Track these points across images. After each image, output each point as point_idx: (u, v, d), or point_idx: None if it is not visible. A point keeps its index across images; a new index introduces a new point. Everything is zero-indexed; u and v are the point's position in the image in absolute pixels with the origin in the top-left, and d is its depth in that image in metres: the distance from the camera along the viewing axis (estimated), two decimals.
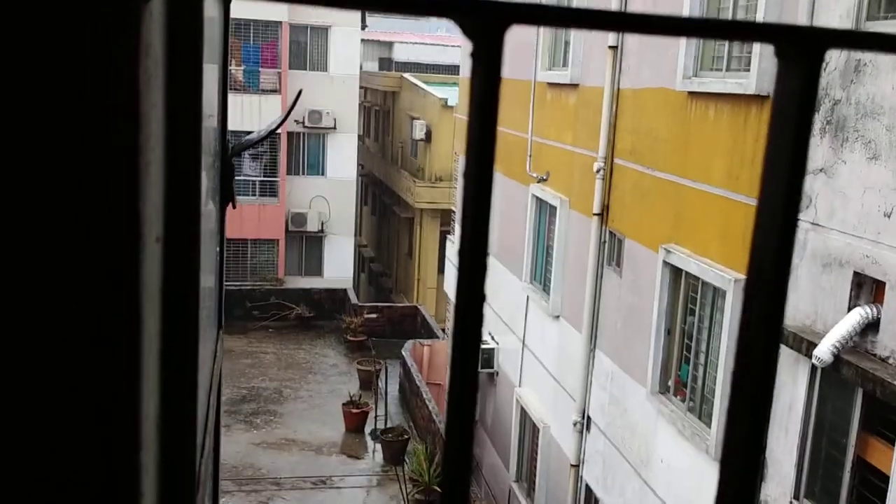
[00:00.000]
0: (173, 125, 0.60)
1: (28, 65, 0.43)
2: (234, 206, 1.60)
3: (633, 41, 9.94)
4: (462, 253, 0.52)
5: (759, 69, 7.33)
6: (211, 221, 1.38)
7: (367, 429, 17.89)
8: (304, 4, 0.49)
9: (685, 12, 8.55)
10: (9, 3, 0.43)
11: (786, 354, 6.94)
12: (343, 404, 18.05)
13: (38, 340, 0.45)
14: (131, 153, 0.44)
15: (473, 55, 0.51)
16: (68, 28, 0.42)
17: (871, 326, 6.05)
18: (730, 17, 8.09)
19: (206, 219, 1.30)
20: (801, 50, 0.54)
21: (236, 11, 26.55)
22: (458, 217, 18.35)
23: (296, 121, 26.18)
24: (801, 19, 6.75)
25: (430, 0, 0.48)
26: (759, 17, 7.36)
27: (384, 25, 45.33)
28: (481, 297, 0.54)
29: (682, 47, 8.58)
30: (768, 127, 0.57)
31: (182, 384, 0.67)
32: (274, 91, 25.63)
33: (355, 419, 17.83)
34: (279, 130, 25.46)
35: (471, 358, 0.51)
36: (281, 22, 25.43)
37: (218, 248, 1.53)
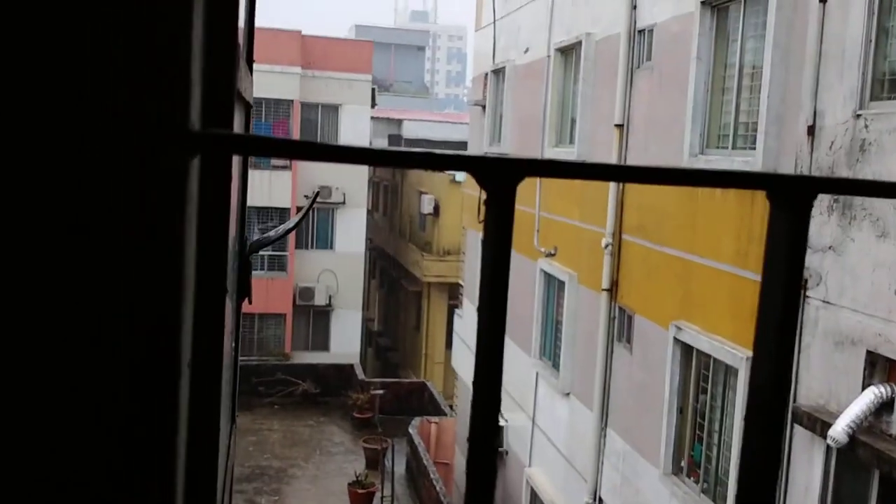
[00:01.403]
0: (202, 259, 0.64)
1: (98, 216, 0.46)
2: (250, 302, 1.64)
3: (639, 119, 10.11)
4: (475, 402, 0.54)
5: (764, 147, 7.43)
6: (231, 320, 1.41)
7: None
8: (329, 161, 0.53)
9: (688, 112, 8.72)
10: (78, 149, 0.47)
11: (800, 434, 6.83)
12: (349, 484, 17.73)
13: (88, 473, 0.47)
14: (174, 290, 0.47)
15: (487, 203, 0.55)
16: (127, 186, 0.46)
17: (886, 406, 5.98)
18: (734, 103, 8.25)
19: (227, 317, 1.33)
20: (792, 196, 0.57)
21: None
22: (464, 307, 18.13)
23: (305, 196, 26.45)
24: (805, 101, 6.87)
25: (451, 157, 0.52)
26: (763, 99, 7.50)
27: (394, 103, 46.24)
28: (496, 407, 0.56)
29: (689, 124, 8.72)
30: (763, 264, 0.59)
31: (203, 497, 0.68)
32: (285, 168, 26.00)
33: (361, 500, 17.48)
34: (289, 206, 25.73)
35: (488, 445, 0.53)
36: (293, 101, 25.96)
37: (234, 343, 1.56)
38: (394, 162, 0.51)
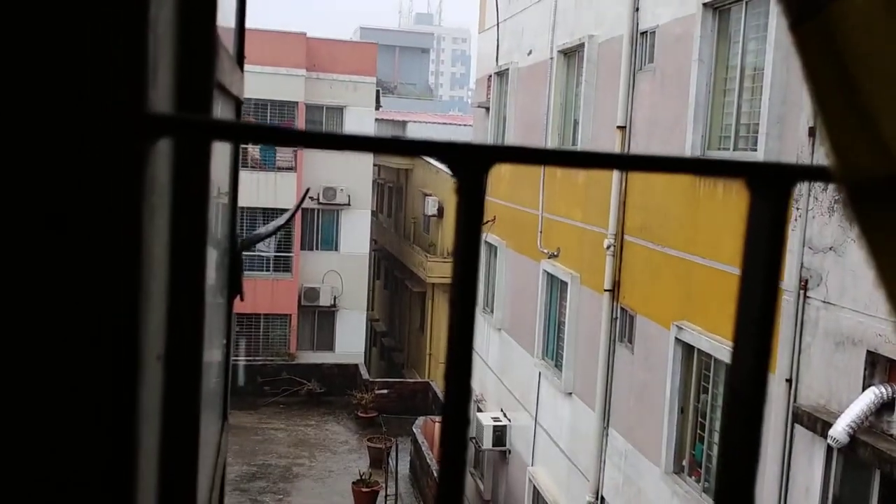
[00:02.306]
0: (178, 250, 0.63)
1: (36, 199, 0.46)
2: (241, 299, 1.63)
3: (641, 121, 10.10)
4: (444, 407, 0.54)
5: (766, 147, 7.42)
6: (220, 316, 1.41)
7: None
8: (299, 146, 0.52)
9: (690, 113, 8.71)
10: (16, 140, 0.46)
11: (801, 434, 6.82)
12: (353, 483, 17.75)
13: (25, 476, 0.46)
14: (132, 284, 0.47)
15: (457, 191, 0.54)
16: (79, 171, 0.45)
17: (887, 406, 5.97)
18: (735, 104, 8.24)
19: (214, 314, 1.32)
20: (771, 184, 0.56)
21: (253, 92, 27.07)
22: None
23: (310, 197, 26.49)
24: (807, 103, 6.86)
25: (421, 143, 0.51)
26: (764, 100, 7.49)
27: (398, 105, 46.27)
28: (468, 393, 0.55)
29: (690, 125, 8.72)
30: (742, 256, 0.59)
31: (181, 497, 0.68)
32: (290, 169, 26.04)
33: (365, 498, 17.50)
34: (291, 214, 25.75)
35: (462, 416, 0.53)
36: (297, 102, 25.99)
37: (225, 341, 1.55)
38: (360, 146, 0.50)
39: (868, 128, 0.50)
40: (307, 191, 4.68)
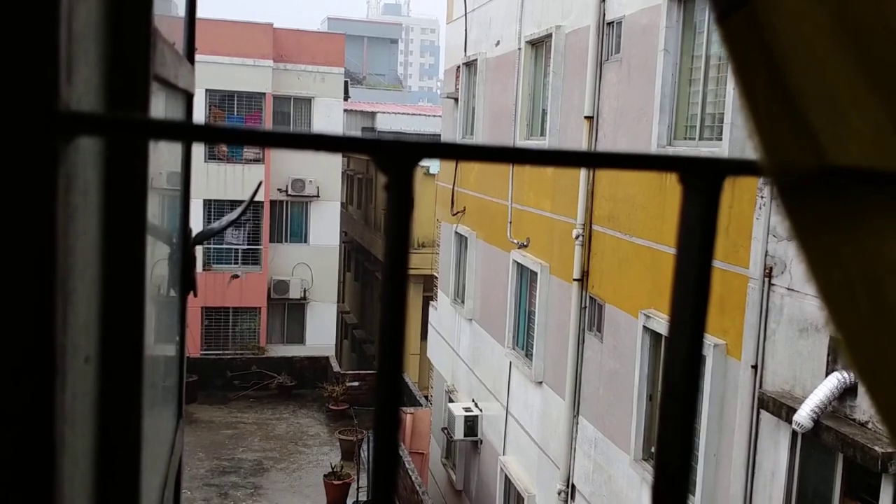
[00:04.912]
0: (112, 248, 0.62)
1: None
2: (195, 295, 1.62)
3: (608, 111, 10.15)
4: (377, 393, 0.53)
5: (730, 138, 7.49)
6: (171, 312, 1.39)
7: (350, 501, 17.52)
8: (246, 145, 0.51)
9: (656, 103, 8.77)
10: None
11: (766, 420, 6.92)
12: (325, 476, 17.72)
13: None
14: (46, 284, 0.45)
15: (387, 188, 0.54)
16: None
17: (850, 391, 6.07)
18: (701, 94, 8.31)
19: (164, 311, 1.30)
20: (702, 178, 0.56)
21: (221, 83, 26.79)
22: (439, 299, 18.21)
23: (279, 189, 26.33)
24: None
25: (349, 140, 0.50)
26: (729, 90, 7.56)
27: (367, 96, 46.05)
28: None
29: (657, 115, 8.77)
30: (676, 249, 0.59)
31: (124, 497, 0.67)
32: (257, 160, 25.83)
33: (337, 491, 17.49)
34: (262, 200, 25.58)
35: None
36: (265, 94, 25.79)
37: (178, 337, 1.53)
38: (281, 143, 0.49)
39: (797, 121, 0.50)
40: (259, 184, 4.66)
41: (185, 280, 1.46)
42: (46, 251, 0.44)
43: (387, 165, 0.52)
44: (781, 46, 0.49)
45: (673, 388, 0.60)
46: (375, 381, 0.56)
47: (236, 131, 0.43)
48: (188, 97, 1.45)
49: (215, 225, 3.47)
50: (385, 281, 0.55)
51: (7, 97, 0.43)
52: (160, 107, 1.03)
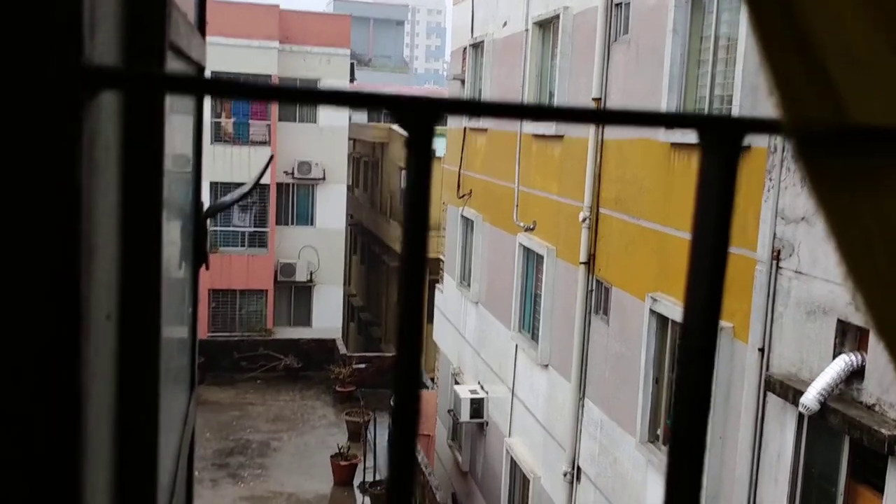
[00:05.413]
0: (131, 206, 0.62)
1: None
2: (206, 268, 1.62)
3: (616, 92, 10.11)
4: (399, 333, 0.54)
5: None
6: (184, 283, 1.40)
7: (356, 481, 17.64)
8: (262, 100, 0.52)
9: (664, 84, 8.72)
10: None
11: (773, 402, 6.93)
12: (331, 456, 17.83)
13: None
14: (71, 238, 0.46)
15: (407, 144, 0.54)
16: (5, 122, 0.44)
17: (857, 374, 6.07)
18: (709, 75, 8.26)
19: (178, 281, 1.31)
20: (722, 137, 0.56)
21: (226, 65, 26.73)
22: (445, 282, 18.20)
23: (285, 172, 26.32)
24: None
25: (368, 96, 0.51)
26: (738, 71, 7.51)
27: (373, 78, 45.91)
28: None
29: (665, 96, 8.73)
30: (694, 212, 0.59)
31: (141, 459, 0.67)
32: (263, 143, 25.81)
33: (344, 472, 17.60)
34: (268, 183, 25.58)
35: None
36: (270, 76, 25.73)
37: (191, 309, 1.54)
38: (306, 100, 0.50)
39: (817, 76, 0.49)
40: (271, 157, 4.67)
41: (198, 252, 1.47)
42: (72, 203, 0.45)
43: (408, 122, 0.53)
44: (803, 2, 0.49)
45: (691, 355, 0.60)
46: (395, 336, 0.56)
47: (252, 86, 0.44)
48: (200, 70, 1.45)
49: (227, 198, 3.48)
50: (406, 235, 0.56)
51: (36, 52, 0.44)
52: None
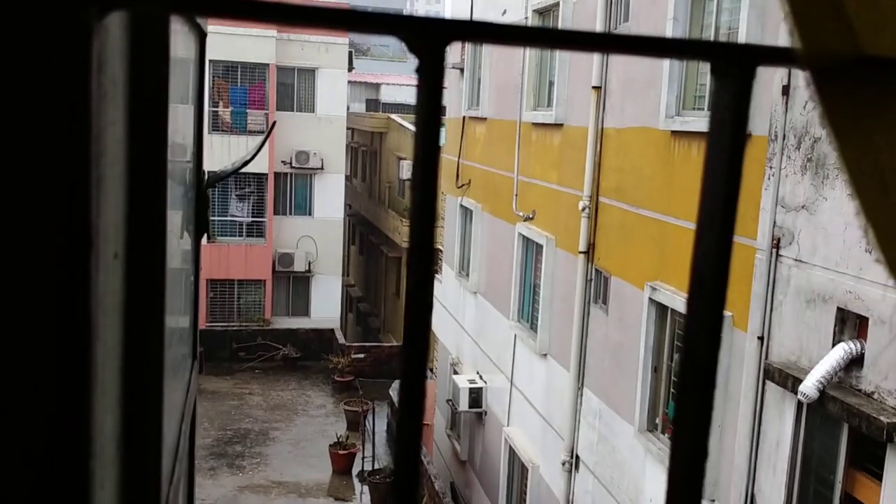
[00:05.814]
0: (136, 144, 0.62)
1: None
2: (209, 239, 1.61)
3: (616, 82, 10.08)
4: (411, 257, 0.53)
5: None
6: (186, 249, 1.39)
7: (355, 470, 17.68)
8: (268, 20, 0.51)
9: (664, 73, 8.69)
10: None
11: (772, 390, 6.94)
12: (330, 445, 17.86)
13: None
14: (80, 164, 0.45)
15: (418, 70, 0.53)
16: (15, 42, 0.43)
17: (856, 362, 6.08)
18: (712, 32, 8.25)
19: (180, 246, 1.31)
20: (734, 65, 0.56)
21: (224, 54, 26.66)
22: (443, 272, 18.14)
23: (283, 161, 26.28)
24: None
25: (376, 18, 0.50)
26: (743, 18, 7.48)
27: (371, 67, 45.79)
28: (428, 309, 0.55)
29: (665, 87, 8.71)
30: (706, 141, 0.58)
31: (146, 396, 0.67)
32: (261, 132, 25.75)
33: (343, 461, 17.63)
34: (266, 172, 25.53)
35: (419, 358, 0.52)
36: (268, 64, 25.66)
37: (193, 278, 1.54)
38: (309, 21, 0.49)
39: (834, 7, 0.49)
40: (273, 123, 4.61)
41: (200, 221, 1.46)
42: (82, 123, 0.44)
43: (418, 45, 0.52)
44: None
45: (703, 285, 0.59)
46: (405, 313, 0.55)
47: (257, 4, 0.43)
48: (202, 37, 1.44)
49: (228, 166, 3.47)
50: (416, 168, 0.55)
51: None
52: (178, 41, 1.02)
